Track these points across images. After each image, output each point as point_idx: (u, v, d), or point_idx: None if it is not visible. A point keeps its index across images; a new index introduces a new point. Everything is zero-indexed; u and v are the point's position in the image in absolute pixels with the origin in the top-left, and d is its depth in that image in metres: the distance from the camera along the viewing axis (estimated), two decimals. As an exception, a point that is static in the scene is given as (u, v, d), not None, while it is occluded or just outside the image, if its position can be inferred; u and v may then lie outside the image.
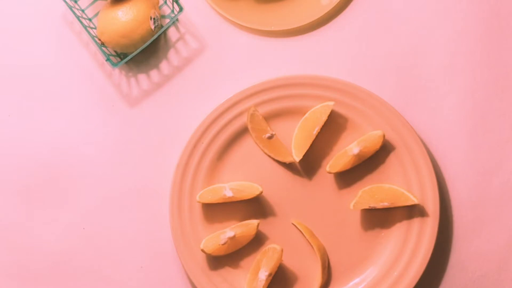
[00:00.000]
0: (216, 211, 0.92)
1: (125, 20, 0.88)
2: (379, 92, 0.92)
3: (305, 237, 0.91)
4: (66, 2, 0.90)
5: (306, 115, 0.90)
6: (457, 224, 0.92)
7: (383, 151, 0.91)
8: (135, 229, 0.94)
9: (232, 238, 0.89)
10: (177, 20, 0.94)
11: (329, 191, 0.92)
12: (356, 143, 0.89)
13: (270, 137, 0.91)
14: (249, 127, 0.91)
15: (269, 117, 0.92)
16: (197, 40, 0.94)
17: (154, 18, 0.89)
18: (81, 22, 0.90)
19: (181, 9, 0.90)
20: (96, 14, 0.94)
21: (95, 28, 0.93)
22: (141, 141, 0.94)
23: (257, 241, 0.92)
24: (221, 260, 0.91)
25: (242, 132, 0.92)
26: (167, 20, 0.95)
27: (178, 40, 0.95)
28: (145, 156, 0.94)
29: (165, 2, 0.94)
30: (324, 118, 0.89)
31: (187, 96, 0.94)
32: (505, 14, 0.93)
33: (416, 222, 0.90)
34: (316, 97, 0.91)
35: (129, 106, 0.95)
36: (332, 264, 0.91)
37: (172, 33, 0.95)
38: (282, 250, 0.89)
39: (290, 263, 0.92)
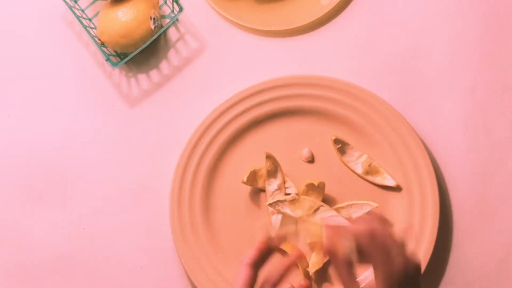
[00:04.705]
0: (215, 211, 0.93)
1: (125, 20, 0.88)
2: (379, 92, 0.92)
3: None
4: (66, 2, 0.90)
5: None
6: (457, 224, 0.92)
7: (383, 152, 0.91)
8: (135, 229, 0.94)
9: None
10: (177, 20, 0.94)
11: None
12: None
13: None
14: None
15: (269, 117, 0.92)
16: (197, 40, 0.94)
17: (154, 18, 0.89)
18: (81, 22, 0.90)
19: (181, 9, 0.90)
20: (96, 14, 0.94)
21: (95, 28, 0.93)
22: (141, 141, 0.94)
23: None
24: (221, 260, 0.91)
25: (242, 132, 0.92)
26: (167, 20, 0.95)
27: (178, 40, 0.95)
28: (145, 156, 0.94)
29: (165, 2, 0.94)
30: None
31: (187, 96, 0.94)
32: (505, 14, 0.93)
33: (416, 222, 0.89)
34: (316, 97, 0.91)
35: (129, 106, 0.95)
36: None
37: (172, 33, 0.95)
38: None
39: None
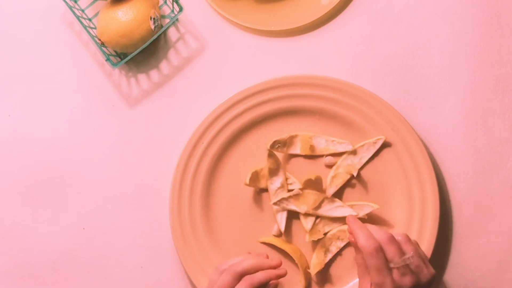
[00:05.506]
0: (216, 211, 0.93)
1: (125, 20, 0.88)
2: (379, 92, 0.92)
3: (277, 248, 0.92)
4: (66, 2, 0.90)
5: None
6: (457, 224, 0.92)
7: (383, 152, 0.91)
8: (135, 229, 0.94)
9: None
10: (177, 20, 0.94)
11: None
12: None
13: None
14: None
15: (269, 117, 0.92)
16: (197, 40, 0.94)
17: (154, 18, 0.89)
18: (81, 22, 0.90)
19: (181, 9, 0.90)
20: (96, 14, 0.94)
21: (95, 28, 0.93)
22: (141, 141, 0.94)
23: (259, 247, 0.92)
24: (221, 260, 0.91)
25: (242, 132, 0.92)
26: (167, 20, 0.95)
27: (178, 40, 0.95)
28: (145, 156, 0.94)
29: (165, 2, 0.94)
30: None
31: (187, 96, 0.94)
32: (505, 14, 0.92)
33: (416, 222, 0.90)
34: (316, 97, 0.91)
35: (129, 106, 0.95)
36: (333, 264, 0.91)
37: (172, 33, 0.95)
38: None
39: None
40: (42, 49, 0.95)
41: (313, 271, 0.90)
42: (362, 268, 0.81)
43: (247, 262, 0.82)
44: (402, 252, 0.80)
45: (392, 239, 0.80)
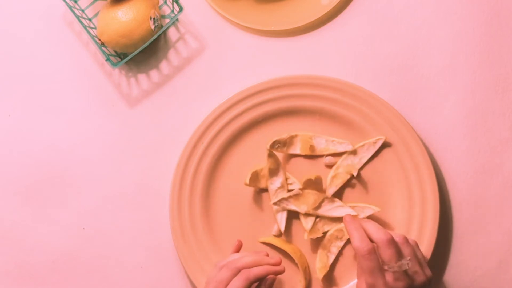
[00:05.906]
0: (216, 211, 0.93)
1: (125, 20, 0.88)
2: (379, 92, 0.92)
3: (277, 248, 0.92)
4: (66, 2, 0.90)
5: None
6: (457, 224, 0.92)
7: (383, 152, 0.91)
8: (135, 229, 0.94)
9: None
10: (177, 20, 0.94)
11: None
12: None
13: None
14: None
15: (269, 117, 0.92)
16: (197, 40, 0.94)
17: (154, 18, 0.89)
18: (81, 22, 0.90)
19: (181, 9, 0.90)
20: (96, 14, 0.94)
21: (95, 28, 0.93)
22: (141, 141, 0.94)
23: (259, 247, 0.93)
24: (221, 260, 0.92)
25: (242, 132, 0.92)
26: (167, 20, 0.95)
27: (178, 40, 0.95)
28: (145, 156, 0.94)
29: (165, 2, 0.94)
30: None
31: (187, 96, 0.94)
32: (505, 14, 0.92)
33: (416, 222, 0.90)
34: (316, 97, 0.91)
35: (129, 106, 0.95)
36: (334, 264, 0.91)
37: (172, 33, 0.95)
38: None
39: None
40: (42, 49, 0.95)
41: (319, 275, 0.90)
42: (359, 267, 0.81)
43: (247, 259, 0.83)
44: (399, 255, 0.80)
45: (391, 241, 0.80)
